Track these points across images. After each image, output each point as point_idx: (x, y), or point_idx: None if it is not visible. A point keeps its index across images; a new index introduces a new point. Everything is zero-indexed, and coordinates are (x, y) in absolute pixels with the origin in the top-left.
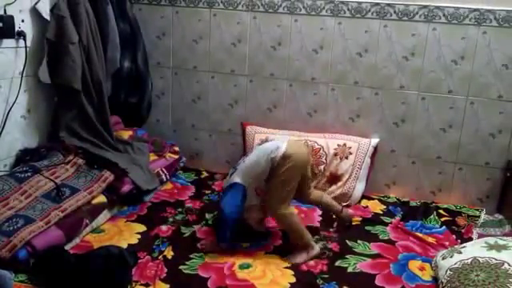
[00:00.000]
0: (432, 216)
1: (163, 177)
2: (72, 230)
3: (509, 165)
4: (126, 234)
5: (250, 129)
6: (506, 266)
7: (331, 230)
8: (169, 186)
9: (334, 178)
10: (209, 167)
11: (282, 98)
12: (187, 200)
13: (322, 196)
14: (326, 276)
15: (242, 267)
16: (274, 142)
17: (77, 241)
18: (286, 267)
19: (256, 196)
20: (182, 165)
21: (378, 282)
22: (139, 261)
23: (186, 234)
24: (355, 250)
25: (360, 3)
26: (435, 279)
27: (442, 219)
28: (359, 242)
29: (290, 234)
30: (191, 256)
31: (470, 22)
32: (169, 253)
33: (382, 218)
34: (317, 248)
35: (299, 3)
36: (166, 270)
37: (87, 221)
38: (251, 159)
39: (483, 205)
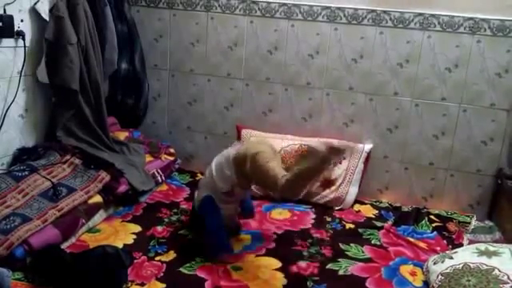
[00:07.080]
0: (423, 221)
1: (159, 178)
2: (68, 229)
3: (500, 172)
4: (122, 233)
5: (245, 132)
6: (496, 271)
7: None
8: (164, 187)
9: (328, 183)
10: (203, 169)
11: (277, 102)
12: (182, 201)
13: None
14: (317, 278)
15: (233, 270)
16: (224, 153)
17: (73, 240)
18: (276, 269)
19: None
20: (176, 166)
21: (368, 285)
22: (135, 261)
23: (185, 236)
24: (348, 253)
25: (356, 10)
26: (426, 284)
27: (433, 225)
28: (352, 245)
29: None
30: (189, 258)
31: (465, 30)
32: (168, 256)
33: (374, 222)
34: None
35: (296, 8)
36: (163, 270)
37: (83, 220)
38: (209, 174)
39: (474, 211)
